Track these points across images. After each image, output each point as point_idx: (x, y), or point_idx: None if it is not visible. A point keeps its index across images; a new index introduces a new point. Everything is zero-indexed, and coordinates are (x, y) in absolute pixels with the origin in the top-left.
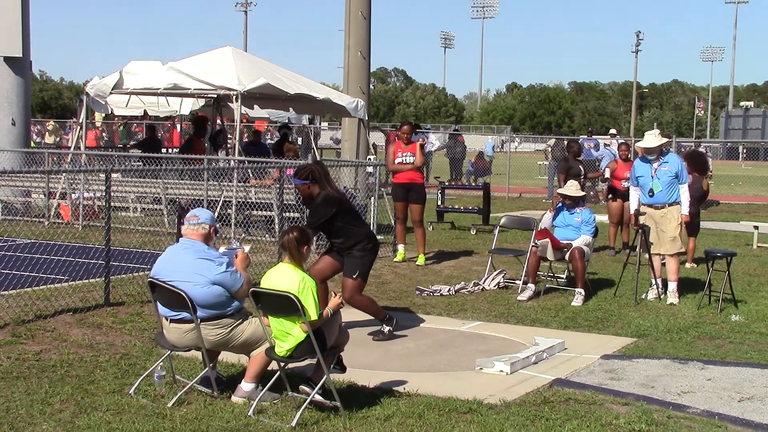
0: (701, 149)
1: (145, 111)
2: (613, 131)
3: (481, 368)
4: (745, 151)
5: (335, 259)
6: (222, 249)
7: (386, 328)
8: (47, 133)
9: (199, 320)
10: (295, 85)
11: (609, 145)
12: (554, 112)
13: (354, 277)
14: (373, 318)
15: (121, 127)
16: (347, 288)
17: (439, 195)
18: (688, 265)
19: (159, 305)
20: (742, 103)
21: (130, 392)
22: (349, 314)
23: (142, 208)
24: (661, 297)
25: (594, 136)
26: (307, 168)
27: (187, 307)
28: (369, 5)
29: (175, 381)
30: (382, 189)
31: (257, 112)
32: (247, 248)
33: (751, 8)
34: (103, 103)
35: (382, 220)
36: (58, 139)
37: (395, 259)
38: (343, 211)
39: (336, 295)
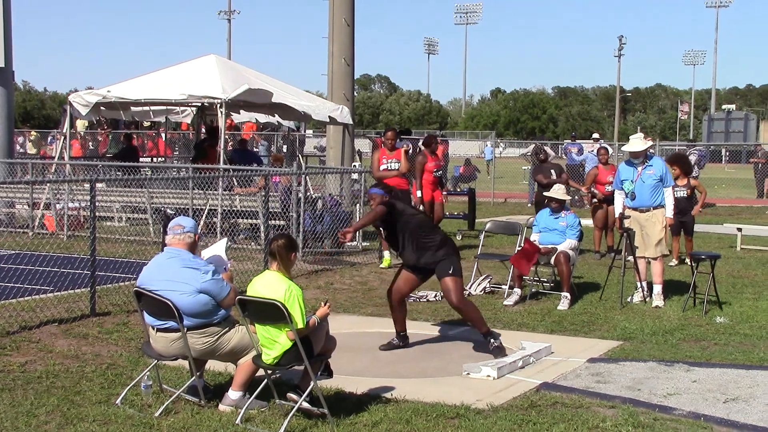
0: (692, 153)
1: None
2: (596, 135)
3: (469, 373)
4: (728, 154)
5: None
6: (204, 252)
7: (494, 343)
8: (30, 143)
9: (185, 329)
10: (277, 92)
11: (592, 150)
12: (538, 117)
13: (450, 273)
14: (356, 324)
15: (110, 136)
16: (450, 289)
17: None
18: (673, 262)
19: (145, 314)
20: (724, 107)
21: (117, 402)
22: (336, 321)
23: (128, 217)
24: (647, 300)
25: (578, 141)
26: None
27: (174, 316)
28: (352, 12)
29: (162, 390)
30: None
31: (245, 116)
32: (225, 242)
33: (732, 12)
34: (84, 113)
35: (368, 226)
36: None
37: (381, 266)
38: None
39: (324, 304)
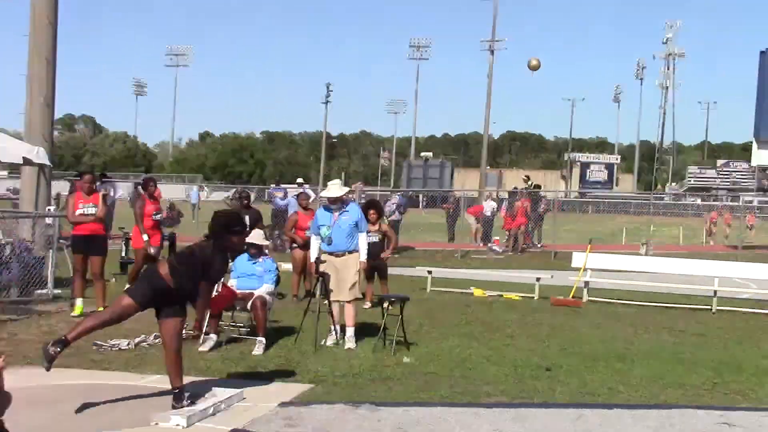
0: (392, 199)
1: None
2: (300, 180)
3: (157, 423)
4: (425, 199)
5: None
6: None
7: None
8: None
9: None
10: None
11: (296, 195)
12: (246, 161)
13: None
14: (41, 376)
15: None
16: (179, 330)
17: (124, 246)
18: (366, 304)
19: None
20: (422, 154)
21: None
22: (17, 375)
23: None
24: (339, 342)
25: (282, 185)
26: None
27: None
28: (54, 49)
29: None
30: (62, 241)
31: None
32: None
33: (431, 65)
34: None
35: (62, 273)
36: None
37: (73, 314)
38: None
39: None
